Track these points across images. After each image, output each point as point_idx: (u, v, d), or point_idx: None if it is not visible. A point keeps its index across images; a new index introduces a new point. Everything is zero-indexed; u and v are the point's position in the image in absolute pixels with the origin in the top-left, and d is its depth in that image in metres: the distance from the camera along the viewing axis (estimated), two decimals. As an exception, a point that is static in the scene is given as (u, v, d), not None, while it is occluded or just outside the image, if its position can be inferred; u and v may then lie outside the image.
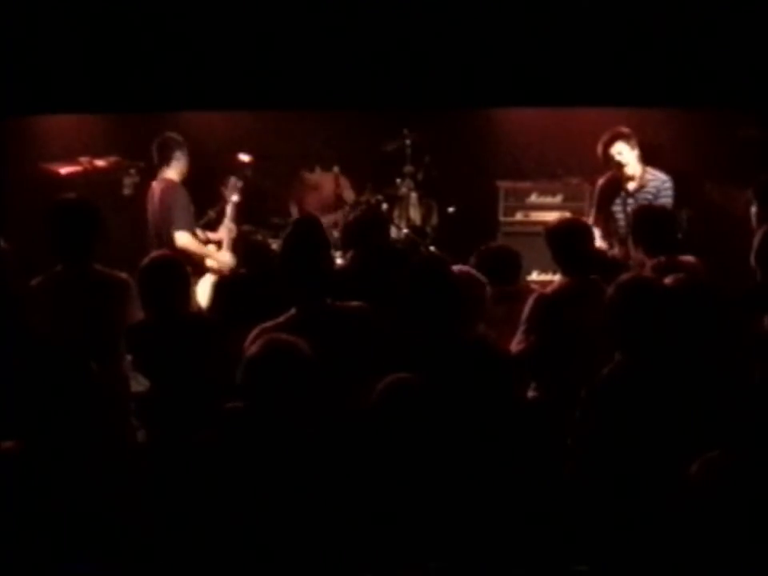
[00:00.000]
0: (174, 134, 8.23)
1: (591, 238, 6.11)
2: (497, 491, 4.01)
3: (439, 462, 3.80)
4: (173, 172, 8.11)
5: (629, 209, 7.70)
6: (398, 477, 3.66)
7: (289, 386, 3.89)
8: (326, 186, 9.32)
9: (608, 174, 7.96)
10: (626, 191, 7.86)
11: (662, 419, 4.25)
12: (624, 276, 4.91)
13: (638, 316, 4.41)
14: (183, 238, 7.93)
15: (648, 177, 7.87)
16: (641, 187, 7.85)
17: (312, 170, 9.43)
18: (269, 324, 4.89)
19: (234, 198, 8.33)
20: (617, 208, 7.90)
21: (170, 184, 8.08)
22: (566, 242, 5.86)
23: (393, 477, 3.66)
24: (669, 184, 7.88)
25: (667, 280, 4.99)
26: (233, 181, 8.37)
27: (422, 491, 3.67)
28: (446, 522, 3.65)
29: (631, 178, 7.83)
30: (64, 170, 8.86)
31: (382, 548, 3.44)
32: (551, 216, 8.87)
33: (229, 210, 8.32)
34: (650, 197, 7.82)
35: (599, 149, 7.83)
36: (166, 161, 8.11)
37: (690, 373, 4.38)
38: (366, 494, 3.61)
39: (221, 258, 8.07)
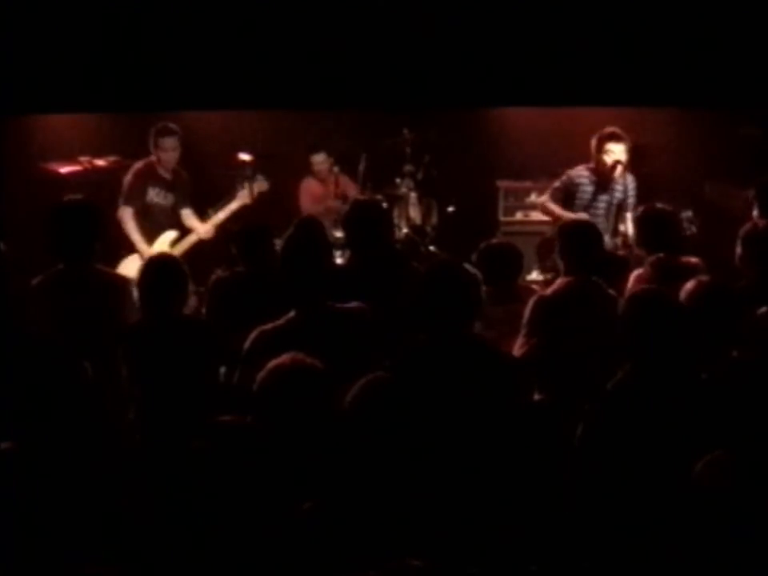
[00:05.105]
0: (163, 123, 8.48)
1: (602, 242, 6.11)
2: (497, 492, 4.00)
3: (429, 462, 3.80)
4: (153, 156, 8.50)
5: (602, 204, 7.88)
6: (383, 476, 3.66)
7: (309, 405, 3.91)
8: (331, 180, 9.34)
9: (587, 166, 7.95)
10: (605, 188, 7.89)
11: (672, 427, 4.24)
12: (638, 289, 4.92)
13: (651, 330, 4.40)
14: (123, 213, 8.42)
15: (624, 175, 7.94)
16: (615, 184, 7.91)
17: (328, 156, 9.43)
18: (268, 326, 4.89)
19: (245, 199, 8.50)
20: (593, 203, 7.93)
21: (139, 164, 8.51)
22: (577, 243, 5.84)
23: (381, 476, 3.66)
24: (635, 183, 8.00)
25: (689, 284, 4.99)
26: (259, 182, 8.60)
27: (413, 491, 3.67)
28: (441, 522, 3.65)
29: (613, 176, 7.86)
30: (64, 170, 8.89)
31: (377, 547, 3.44)
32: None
33: (232, 205, 8.52)
34: (621, 195, 7.94)
35: (596, 140, 7.83)
36: (150, 145, 8.53)
37: (700, 378, 4.39)
38: (355, 494, 3.62)
39: (146, 251, 8.29)
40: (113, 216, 8.24)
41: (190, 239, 8.55)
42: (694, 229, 7.39)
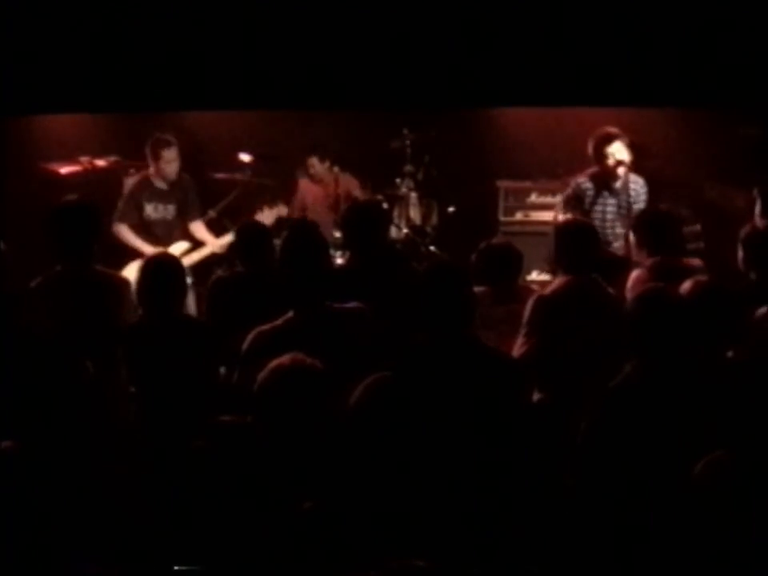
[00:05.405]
0: (161, 135, 8.43)
1: (598, 240, 6.11)
2: (498, 492, 4.01)
3: (431, 462, 3.80)
4: (151, 168, 8.42)
5: (610, 208, 7.77)
6: (384, 476, 3.67)
7: (309, 405, 3.91)
8: (329, 181, 9.31)
9: (590, 172, 7.91)
10: (611, 190, 7.84)
11: (675, 426, 4.25)
12: (644, 288, 4.93)
13: (657, 329, 4.41)
14: (119, 229, 8.34)
15: (631, 178, 7.84)
16: (623, 188, 7.82)
17: (322, 161, 9.37)
18: (266, 327, 4.89)
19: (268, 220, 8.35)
20: (598, 207, 7.87)
21: (133, 179, 8.53)
22: (574, 242, 5.83)
23: (380, 476, 3.67)
24: (645, 188, 7.86)
25: (686, 284, 4.99)
26: (279, 207, 8.54)
27: (413, 490, 3.68)
28: (443, 523, 3.65)
29: (618, 177, 7.79)
30: (64, 170, 8.88)
31: (377, 547, 3.44)
32: (551, 216, 8.87)
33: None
34: (630, 199, 7.77)
35: (592, 145, 7.77)
36: (147, 158, 8.46)
37: (702, 377, 4.39)
38: (356, 494, 3.62)
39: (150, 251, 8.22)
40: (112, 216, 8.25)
41: (203, 252, 8.40)
42: (701, 244, 7.35)
